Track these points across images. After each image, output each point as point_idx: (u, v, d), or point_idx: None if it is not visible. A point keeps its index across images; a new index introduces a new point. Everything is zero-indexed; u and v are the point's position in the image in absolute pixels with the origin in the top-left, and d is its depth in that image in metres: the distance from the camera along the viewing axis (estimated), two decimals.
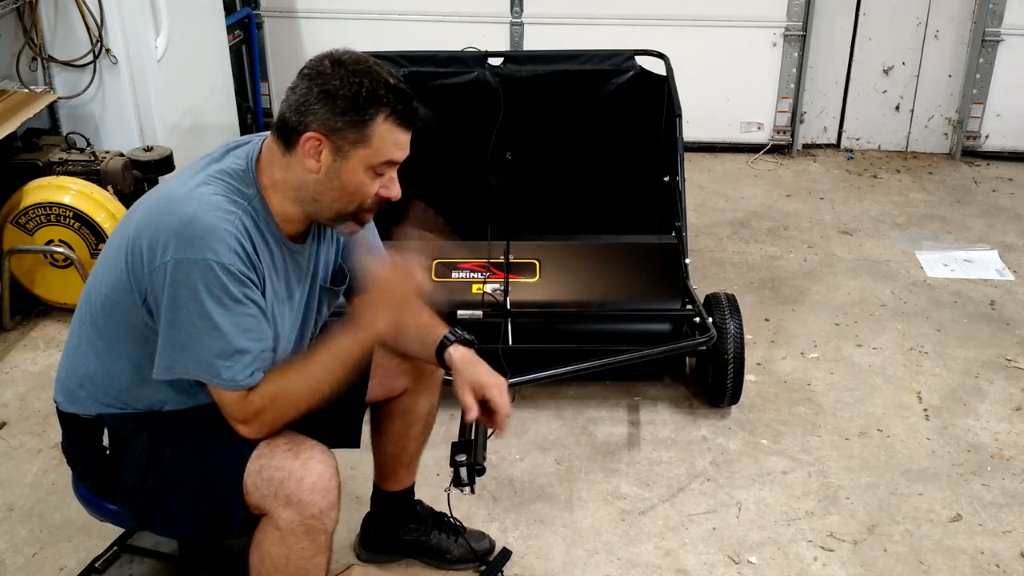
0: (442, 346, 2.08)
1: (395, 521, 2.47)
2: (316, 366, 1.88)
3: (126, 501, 1.97)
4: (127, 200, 3.64)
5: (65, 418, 2.02)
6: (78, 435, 2.01)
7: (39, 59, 3.83)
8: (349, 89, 1.78)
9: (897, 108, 5.41)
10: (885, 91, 5.37)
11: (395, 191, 1.89)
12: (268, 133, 1.92)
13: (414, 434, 2.34)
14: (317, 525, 1.85)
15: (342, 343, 1.90)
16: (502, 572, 2.50)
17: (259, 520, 1.88)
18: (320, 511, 1.84)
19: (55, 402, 2.03)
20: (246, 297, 1.80)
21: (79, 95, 3.89)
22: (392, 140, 1.82)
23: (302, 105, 1.80)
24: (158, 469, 1.91)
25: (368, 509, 2.51)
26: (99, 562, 2.40)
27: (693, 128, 4.27)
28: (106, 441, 1.97)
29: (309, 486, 1.82)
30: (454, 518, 2.51)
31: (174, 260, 1.75)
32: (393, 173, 1.88)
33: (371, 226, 2.18)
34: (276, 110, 1.91)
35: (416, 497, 2.50)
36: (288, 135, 1.83)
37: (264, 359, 1.83)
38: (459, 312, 3.04)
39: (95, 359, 1.93)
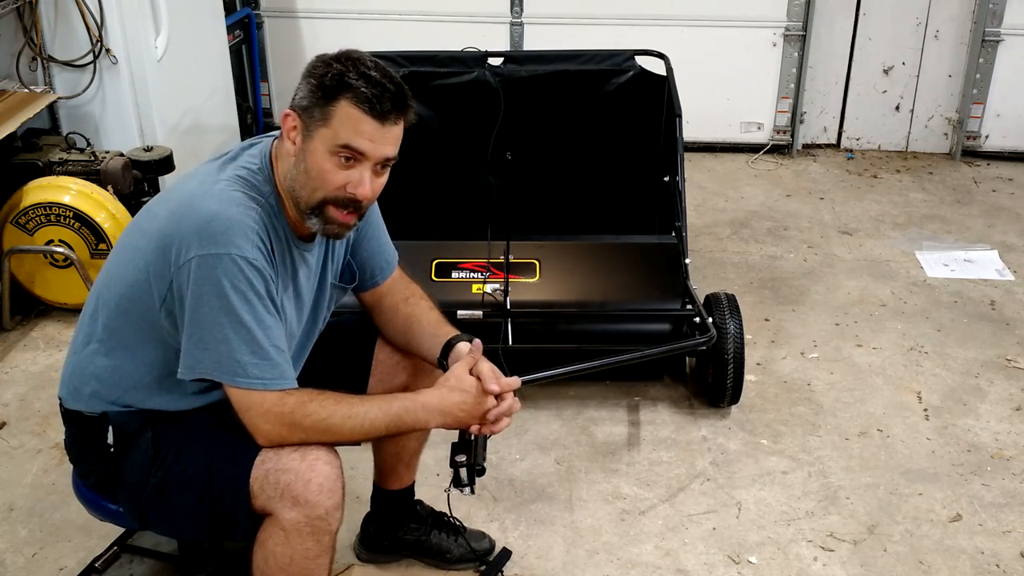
0: (448, 346, 2.09)
1: (395, 520, 2.47)
2: (364, 407, 1.88)
3: (128, 499, 1.97)
4: (127, 200, 3.64)
5: (69, 415, 2.02)
6: (82, 432, 2.01)
7: (39, 59, 3.83)
8: (323, 70, 1.81)
9: (897, 108, 5.41)
10: (885, 91, 5.37)
11: (362, 190, 1.84)
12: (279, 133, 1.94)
13: (413, 435, 2.34)
14: (322, 525, 1.85)
15: (400, 407, 1.91)
16: (502, 572, 2.50)
17: (260, 525, 1.88)
18: (326, 511, 1.84)
19: (59, 398, 2.03)
20: (267, 294, 1.81)
21: (79, 95, 3.89)
22: (353, 125, 1.79)
23: (295, 92, 1.85)
24: (162, 468, 1.91)
25: (368, 509, 2.51)
26: (99, 562, 2.40)
27: (693, 128, 4.27)
28: (110, 439, 1.97)
29: (316, 487, 1.82)
30: (454, 518, 2.51)
31: (198, 257, 1.75)
32: (364, 171, 1.83)
33: (380, 224, 2.18)
34: (276, 110, 1.92)
35: (416, 497, 2.50)
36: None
37: (286, 359, 1.84)
38: (459, 312, 3.04)
39: (105, 358, 1.93)
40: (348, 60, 1.81)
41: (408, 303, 2.20)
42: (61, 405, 2.03)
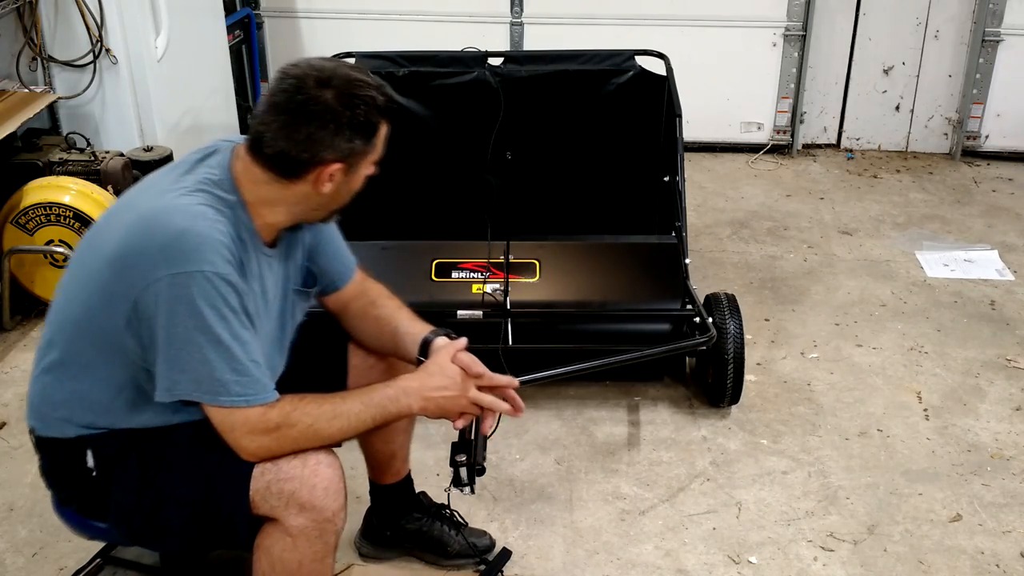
0: (426, 342, 2.09)
1: (398, 510, 2.47)
2: (347, 405, 1.88)
3: (120, 520, 1.91)
4: None
5: (42, 443, 1.95)
6: (59, 459, 1.95)
7: (39, 59, 3.83)
8: (350, 111, 1.79)
9: (897, 108, 5.41)
10: (885, 91, 5.37)
11: (376, 167, 1.93)
12: (233, 140, 1.90)
13: (400, 427, 2.33)
14: (329, 527, 1.86)
15: (382, 396, 1.92)
16: (502, 572, 2.50)
17: (258, 531, 1.88)
18: (333, 513, 1.85)
19: (30, 428, 1.96)
20: (242, 308, 1.78)
21: (79, 95, 3.89)
22: (386, 134, 1.88)
23: (311, 143, 1.78)
24: (152, 487, 1.87)
25: (368, 506, 2.51)
26: (81, 575, 2.37)
27: (693, 128, 4.27)
28: (90, 462, 1.90)
29: (322, 491, 1.83)
30: (455, 512, 2.51)
31: (169, 276, 1.71)
32: None
33: (334, 230, 2.16)
34: None
35: (419, 491, 2.50)
36: (295, 169, 1.81)
37: (265, 373, 1.82)
38: (459, 312, 3.04)
39: (69, 381, 1.87)
40: (350, 83, 1.79)
41: (376, 305, 2.19)
42: (32, 433, 1.96)
